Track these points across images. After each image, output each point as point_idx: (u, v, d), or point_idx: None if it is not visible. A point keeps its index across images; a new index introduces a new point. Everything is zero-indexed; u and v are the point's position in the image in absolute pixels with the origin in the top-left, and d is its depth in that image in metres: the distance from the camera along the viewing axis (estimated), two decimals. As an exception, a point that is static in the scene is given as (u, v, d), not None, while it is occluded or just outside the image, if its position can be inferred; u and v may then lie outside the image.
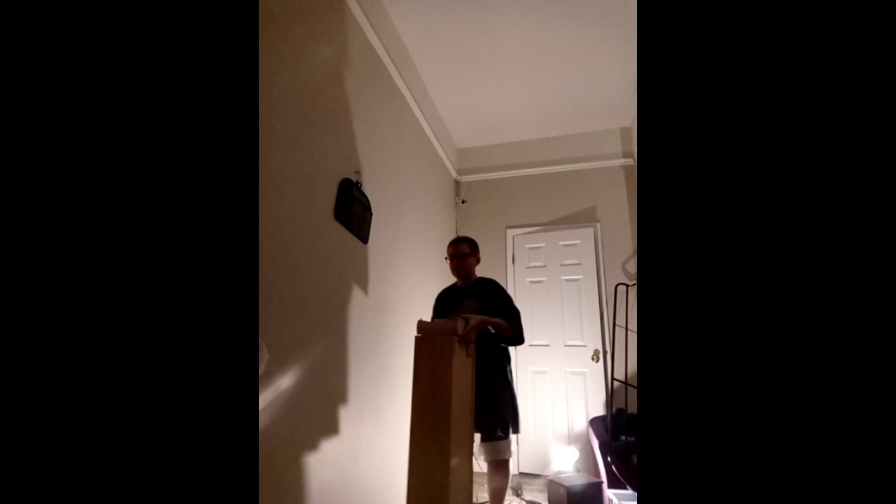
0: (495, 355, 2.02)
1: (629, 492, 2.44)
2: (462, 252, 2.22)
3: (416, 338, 1.76)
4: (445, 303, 2.26)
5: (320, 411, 1.76)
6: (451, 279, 2.34)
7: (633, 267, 3.54)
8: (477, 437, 1.91)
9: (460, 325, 1.72)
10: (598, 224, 3.72)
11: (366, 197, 2.22)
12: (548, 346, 3.59)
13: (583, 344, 3.51)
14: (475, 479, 1.81)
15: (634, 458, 2.60)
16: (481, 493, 2.59)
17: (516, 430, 2.00)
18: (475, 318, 1.82)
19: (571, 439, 3.36)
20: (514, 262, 3.83)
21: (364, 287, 2.24)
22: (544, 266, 3.74)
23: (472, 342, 1.82)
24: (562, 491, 2.54)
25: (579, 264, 3.65)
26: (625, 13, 2.57)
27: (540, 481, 3.18)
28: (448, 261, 2.29)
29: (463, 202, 4.13)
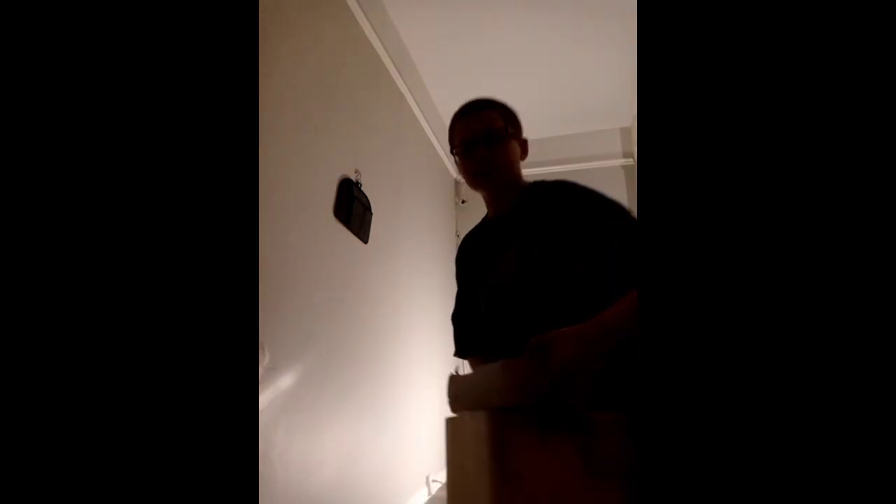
0: None
1: (629, 492, 2.43)
2: (490, 129, 0.93)
3: (448, 421, 0.78)
4: (473, 269, 1.06)
5: (320, 411, 1.76)
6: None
7: (633, 267, 3.53)
8: None
9: (512, 382, 0.66)
10: (598, 224, 3.70)
11: (366, 197, 2.22)
12: (548, 346, 3.57)
13: (583, 344, 3.49)
14: None
15: (634, 458, 2.60)
16: None
17: None
18: (565, 346, 0.67)
19: (571, 439, 3.35)
20: (514, 262, 3.82)
21: (364, 287, 2.24)
22: (544, 266, 3.72)
23: (591, 419, 0.66)
24: (562, 491, 2.53)
25: (579, 264, 3.63)
26: (624, 12, 2.57)
27: (540, 481, 3.16)
28: (457, 159, 0.99)
29: (463, 202, 4.12)
